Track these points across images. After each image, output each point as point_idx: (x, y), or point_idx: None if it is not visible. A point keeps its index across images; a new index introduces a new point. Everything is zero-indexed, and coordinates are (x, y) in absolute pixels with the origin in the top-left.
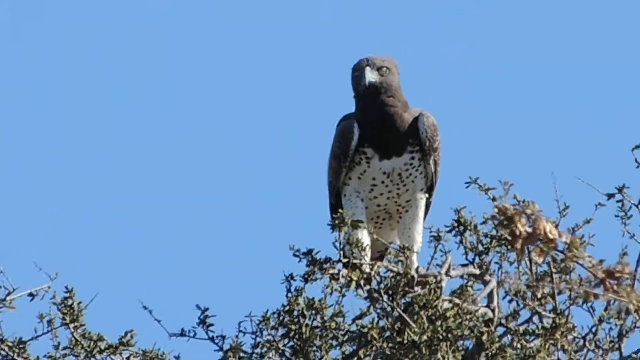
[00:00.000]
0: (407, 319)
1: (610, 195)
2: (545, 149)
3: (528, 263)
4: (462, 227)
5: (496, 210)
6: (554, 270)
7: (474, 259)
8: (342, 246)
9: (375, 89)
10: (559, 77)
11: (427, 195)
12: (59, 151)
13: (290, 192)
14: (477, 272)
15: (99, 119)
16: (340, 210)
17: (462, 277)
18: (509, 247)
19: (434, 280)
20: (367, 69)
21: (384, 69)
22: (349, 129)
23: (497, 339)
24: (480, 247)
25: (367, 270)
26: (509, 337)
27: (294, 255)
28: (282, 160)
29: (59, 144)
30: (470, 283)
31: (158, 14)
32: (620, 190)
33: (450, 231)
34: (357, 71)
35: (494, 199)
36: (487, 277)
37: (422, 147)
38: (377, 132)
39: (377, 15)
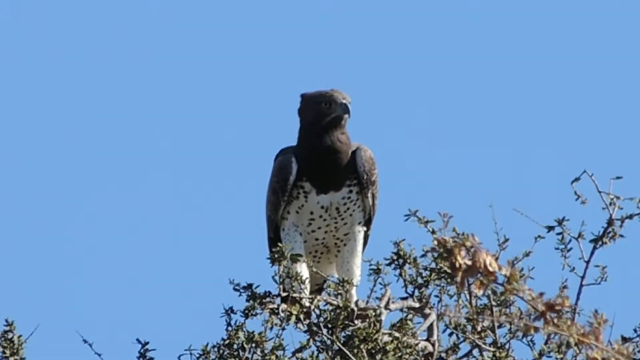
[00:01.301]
0: (347, 352)
1: (549, 228)
2: (484, 180)
3: (468, 296)
4: (401, 260)
5: (436, 242)
6: (493, 303)
7: (413, 292)
8: (281, 280)
9: (341, 125)
10: (496, 109)
11: (365, 228)
12: None
13: (229, 226)
14: (417, 305)
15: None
16: (279, 244)
17: (401, 310)
18: (449, 280)
19: (374, 314)
20: (346, 103)
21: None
22: (287, 163)
23: None
24: (420, 280)
25: (307, 304)
26: None
27: (234, 289)
28: (219, 194)
29: None
30: (410, 316)
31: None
32: (559, 222)
33: (389, 264)
34: (328, 103)
35: (433, 232)
36: (426, 311)
37: (360, 180)
38: (320, 166)
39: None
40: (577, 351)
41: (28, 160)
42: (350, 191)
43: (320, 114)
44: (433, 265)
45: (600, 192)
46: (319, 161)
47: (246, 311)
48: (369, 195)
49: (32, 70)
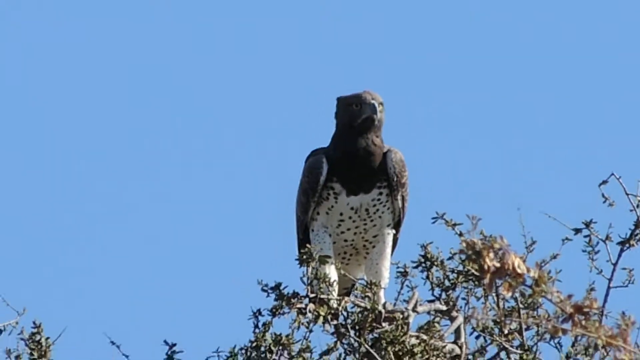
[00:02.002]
0: (375, 354)
1: (577, 231)
2: (511, 183)
3: (495, 298)
4: (428, 263)
5: (464, 244)
6: (521, 305)
7: (440, 295)
8: (309, 281)
9: (373, 126)
10: (524, 110)
11: (394, 230)
12: (19, 182)
13: (258, 227)
14: (444, 308)
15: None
16: (308, 245)
17: (429, 313)
18: (476, 282)
19: (401, 316)
20: (375, 103)
21: (382, 105)
22: (317, 164)
23: None
24: (447, 283)
25: (335, 305)
26: None
27: (262, 289)
28: (249, 195)
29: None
30: (437, 319)
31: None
32: (587, 225)
33: (417, 267)
34: (359, 104)
35: (460, 234)
36: (454, 313)
37: (390, 182)
38: (351, 168)
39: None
40: (605, 353)
41: (68, 168)
42: (380, 193)
43: (352, 115)
44: (460, 267)
45: (627, 194)
46: (351, 164)
47: (274, 310)
48: (399, 197)
49: (30, 70)
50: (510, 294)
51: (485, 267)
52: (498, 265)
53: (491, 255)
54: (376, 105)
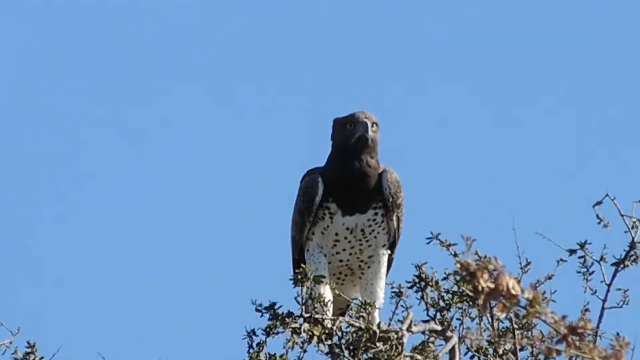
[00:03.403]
0: None
1: (571, 251)
2: (506, 204)
3: (490, 319)
4: (423, 283)
5: (459, 265)
6: (515, 326)
7: (435, 315)
8: (304, 301)
9: (367, 146)
10: (519, 130)
11: (389, 251)
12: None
13: (253, 247)
14: (439, 328)
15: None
16: (302, 265)
17: (423, 333)
18: (471, 302)
19: (396, 336)
20: (367, 122)
21: (376, 125)
22: (313, 184)
23: None
24: (442, 303)
25: (329, 325)
26: None
27: (257, 309)
28: (244, 214)
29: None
30: (431, 339)
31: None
32: (581, 246)
33: (411, 287)
34: (352, 124)
35: (455, 255)
36: (448, 333)
37: (385, 203)
38: (347, 188)
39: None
40: None
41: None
42: (376, 213)
43: (346, 135)
44: (455, 288)
45: (622, 215)
46: (346, 184)
47: (268, 330)
48: (394, 218)
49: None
50: (504, 314)
51: (480, 288)
52: (492, 286)
53: (485, 276)
54: (368, 123)
